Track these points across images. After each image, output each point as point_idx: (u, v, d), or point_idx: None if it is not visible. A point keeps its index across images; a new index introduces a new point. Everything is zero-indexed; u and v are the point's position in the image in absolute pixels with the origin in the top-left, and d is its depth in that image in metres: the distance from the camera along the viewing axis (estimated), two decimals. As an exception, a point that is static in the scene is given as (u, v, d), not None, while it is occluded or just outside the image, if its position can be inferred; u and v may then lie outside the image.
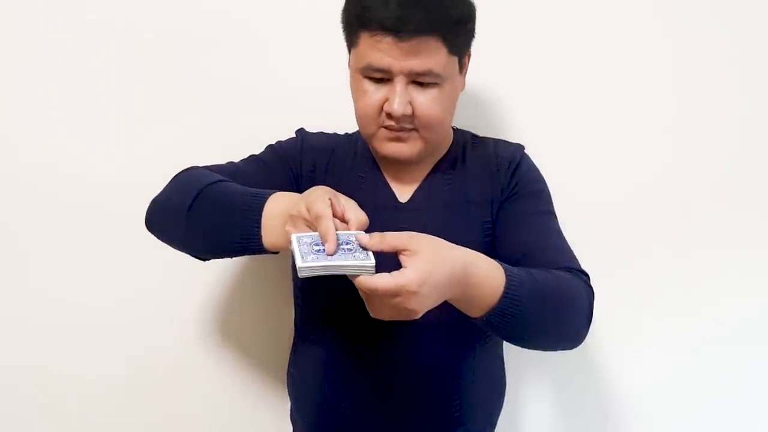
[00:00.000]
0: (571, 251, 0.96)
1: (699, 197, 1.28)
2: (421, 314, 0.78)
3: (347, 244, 0.78)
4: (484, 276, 0.81)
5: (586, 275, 0.93)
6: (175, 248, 0.96)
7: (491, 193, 1.01)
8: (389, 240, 0.77)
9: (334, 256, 0.76)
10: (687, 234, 1.28)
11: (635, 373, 1.33)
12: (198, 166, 1.00)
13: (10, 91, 1.23)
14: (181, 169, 1.00)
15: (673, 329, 1.31)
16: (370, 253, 0.77)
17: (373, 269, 0.76)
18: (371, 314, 0.79)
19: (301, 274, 0.76)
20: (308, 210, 0.80)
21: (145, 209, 0.99)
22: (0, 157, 1.25)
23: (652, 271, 1.29)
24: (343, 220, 0.81)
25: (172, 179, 0.98)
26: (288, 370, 1.14)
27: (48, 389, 1.32)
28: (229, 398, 1.32)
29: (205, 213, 0.90)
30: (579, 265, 0.94)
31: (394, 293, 0.74)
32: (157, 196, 0.98)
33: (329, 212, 0.79)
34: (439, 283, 0.76)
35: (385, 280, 0.74)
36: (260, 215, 0.86)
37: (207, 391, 1.32)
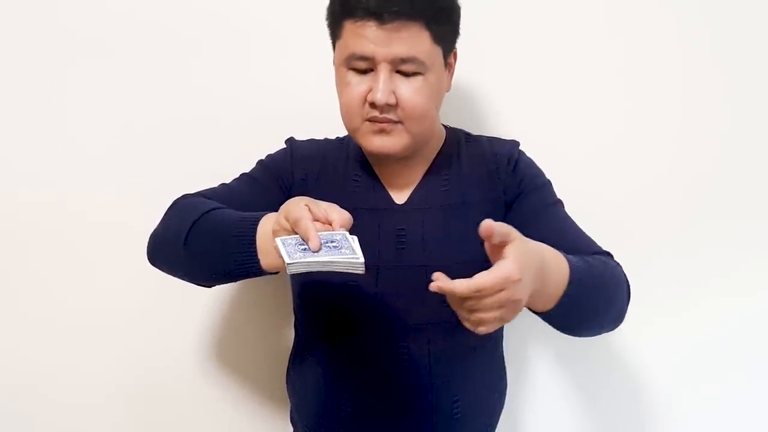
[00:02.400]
0: (588, 236, 0.97)
1: (698, 193, 1.27)
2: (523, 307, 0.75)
3: (332, 242, 0.77)
4: (555, 266, 0.80)
5: (611, 255, 0.95)
6: (179, 279, 0.96)
7: (491, 191, 1.01)
8: (498, 228, 0.72)
9: (320, 253, 0.76)
10: (686, 231, 1.28)
11: (637, 372, 1.32)
12: (190, 194, 0.99)
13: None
14: (176, 192, 0.99)
15: (676, 329, 1.30)
16: (358, 250, 0.77)
17: (363, 266, 0.75)
18: (475, 329, 0.74)
19: (289, 271, 0.77)
20: (286, 219, 0.80)
21: (138, 225, 0.99)
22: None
23: (653, 269, 1.27)
24: (327, 223, 0.80)
25: (166, 211, 0.98)
26: (288, 372, 1.14)
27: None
28: (230, 400, 1.32)
29: (201, 244, 0.90)
30: (601, 247, 0.95)
31: (501, 287, 0.71)
32: (154, 231, 0.98)
33: (307, 214, 0.79)
34: (533, 270, 0.75)
35: (488, 277, 0.70)
36: (254, 239, 0.85)
37: (208, 392, 1.32)
